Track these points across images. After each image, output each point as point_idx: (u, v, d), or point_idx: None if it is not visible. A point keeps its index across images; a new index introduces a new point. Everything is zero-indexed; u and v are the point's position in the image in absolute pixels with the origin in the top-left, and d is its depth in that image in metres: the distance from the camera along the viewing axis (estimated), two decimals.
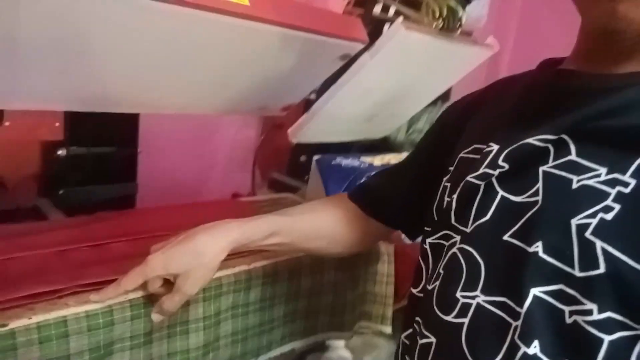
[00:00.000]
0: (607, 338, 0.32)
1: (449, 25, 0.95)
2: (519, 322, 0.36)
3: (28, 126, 0.83)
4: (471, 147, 0.48)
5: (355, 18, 0.89)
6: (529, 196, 0.38)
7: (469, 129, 0.51)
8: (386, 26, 1.04)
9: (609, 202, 0.34)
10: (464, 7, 0.98)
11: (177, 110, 0.86)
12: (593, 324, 0.33)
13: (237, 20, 0.64)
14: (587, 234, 0.34)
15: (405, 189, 0.61)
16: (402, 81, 1.08)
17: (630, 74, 0.38)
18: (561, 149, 0.38)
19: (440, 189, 0.50)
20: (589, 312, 0.33)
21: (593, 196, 0.35)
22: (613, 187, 0.34)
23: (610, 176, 0.34)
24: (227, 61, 0.74)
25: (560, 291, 0.35)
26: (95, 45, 0.59)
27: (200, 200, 0.97)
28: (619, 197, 0.34)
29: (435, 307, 0.43)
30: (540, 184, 0.38)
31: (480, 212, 0.41)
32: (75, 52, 0.59)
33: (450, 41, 0.96)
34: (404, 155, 1.11)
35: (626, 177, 0.34)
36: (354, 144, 1.28)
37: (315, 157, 1.02)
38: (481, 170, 0.42)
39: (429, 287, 0.45)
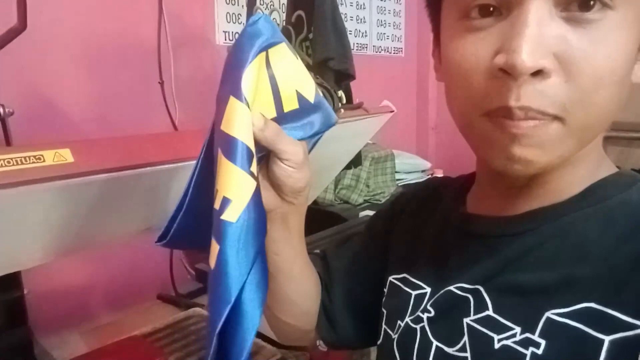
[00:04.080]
0: None
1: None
2: None
3: None
4: (401, 276, 0.48)
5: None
6: (459, 350, 0.39)
7: (398, 242, 0.52)
8: None
9: None
10: (339, 85, 0.91)
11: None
12: None
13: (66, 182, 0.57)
14: None
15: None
16: None
17: (527, 214, 0.39)
18: (479, 300, 0.39)
19: (383, 314, 0.49)
20: None
21: (512, 358, 0.35)
22: (527, 348, 0.35)
23: (523, 336, 0.35)
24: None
25: None
26: None
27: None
28: (534, 359, 0.34)
29: None
30: (466, 339, 0.39)
31: None
32: None
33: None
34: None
35: (536, 337, 0.34)
36: None
37: None
38: (416, 314, 0.44)
39: None
